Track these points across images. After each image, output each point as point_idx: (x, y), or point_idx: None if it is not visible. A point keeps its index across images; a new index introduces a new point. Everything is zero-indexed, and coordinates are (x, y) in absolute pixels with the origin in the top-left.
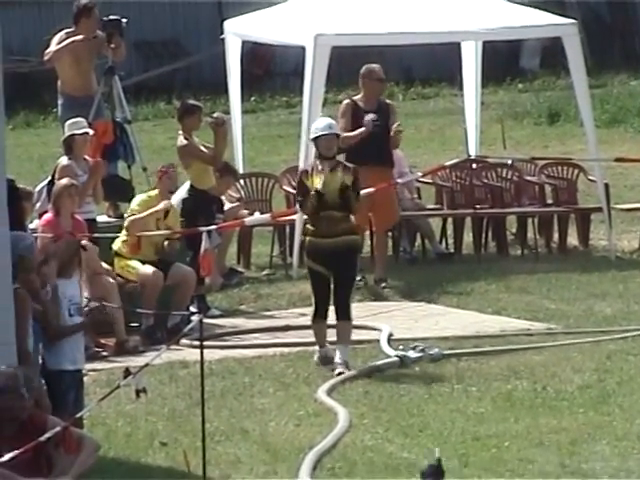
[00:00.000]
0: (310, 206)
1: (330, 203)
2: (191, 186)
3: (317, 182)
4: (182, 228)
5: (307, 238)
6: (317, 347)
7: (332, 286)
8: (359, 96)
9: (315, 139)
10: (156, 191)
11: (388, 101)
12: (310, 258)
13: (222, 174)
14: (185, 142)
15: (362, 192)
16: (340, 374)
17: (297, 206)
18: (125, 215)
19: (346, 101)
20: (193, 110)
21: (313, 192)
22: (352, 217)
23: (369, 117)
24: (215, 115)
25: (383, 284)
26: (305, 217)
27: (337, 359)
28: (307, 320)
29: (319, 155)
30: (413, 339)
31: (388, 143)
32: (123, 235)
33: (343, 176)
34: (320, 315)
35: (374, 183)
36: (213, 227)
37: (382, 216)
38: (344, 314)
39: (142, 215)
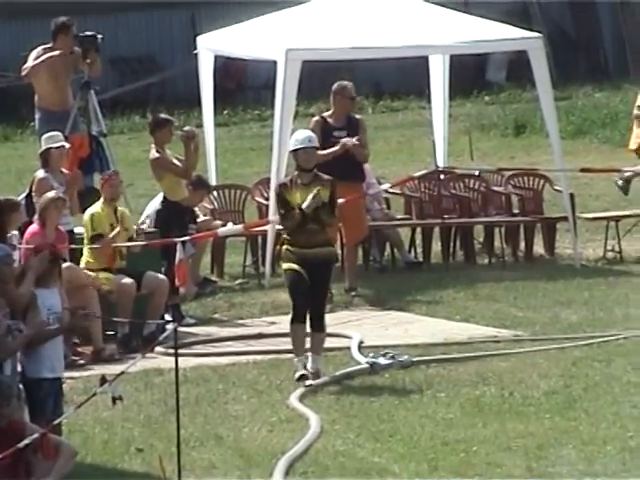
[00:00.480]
0: (294, 222)
1: (309, 217)
2: (164, 198)
3: (298, 197)
4: (156, 239)
5: (284, 247)
6: (294, 356)
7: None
8: (328, 112)
9: (294, 151)
10: (100, 201)
11: (358, 116)
12: (288, 262)
13: (195, 187)
14: (157, 155)
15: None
16: (309, 386)
17: (278, 219)
18: (83, 230)
19: (315, 118)
20: (164, 124)
21: (297, 211)
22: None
23: (347, 140)
24: (185, 129)
25: (353, 293)
26: (281, 228)
27: (309, 367)
28: (279, 328)
29: (298, 167)
30: (383, 346)
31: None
32: (87, 251)
33: (320, 191)
34: (299, 319)
35: (345, 197)
36: (187, 238)
37: (352, 229)
38: (319, 325)
39: (111, 235)
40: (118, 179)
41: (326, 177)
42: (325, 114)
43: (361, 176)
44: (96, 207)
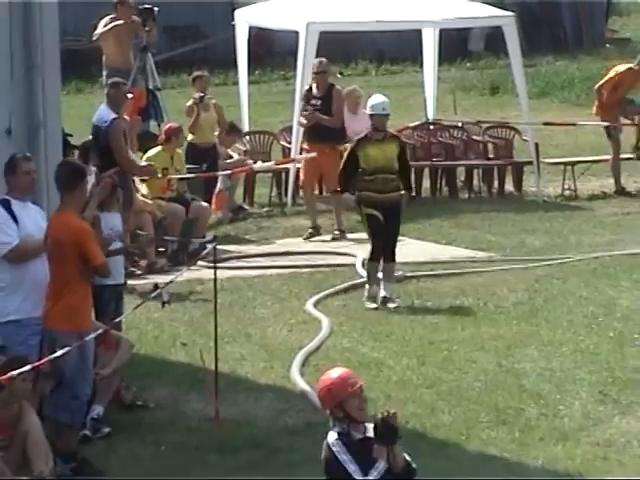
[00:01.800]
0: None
1: (384, 167)
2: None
3: (372, 150)
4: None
5: (363, 192)
6: (368, 286)
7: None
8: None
9: (371, 115)
10: (159, 147)
11: (337, 87)
12: (367, 206)
13: (228, 132)
14: (188, 104)
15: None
16: (397, 307)
17: (343, 169)
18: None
19: (306, 87)
20: (198, 77)
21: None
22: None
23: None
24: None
25: (337, 232)
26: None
27: (385, 294)
28: (299, 247)
29: (372, 126)
30: None
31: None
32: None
33: (392, 145)
34: (376, 257)
35: (326, 155)
36: (227, 172)
37: (331, 180)
38: (391, 257)
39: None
40: (182, 132)
41: (395, 134)
42: (313, 85)
43: (338, 138)
44: (155, 150)
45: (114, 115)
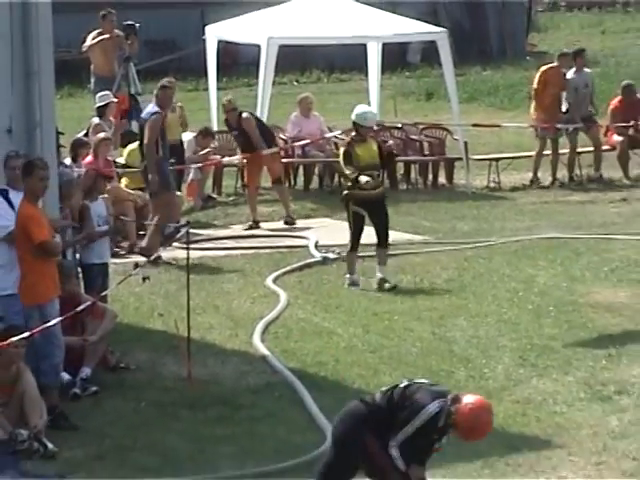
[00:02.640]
0: (353, 171)
1: (370, 164)
2: None
3: (360, 150)
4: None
5: (353, 191)
6: (348, 274)
7: (365, 225)
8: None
9: (354, 122)
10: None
11: (244, 115)
12: (355, 204)
13: (204, 135)
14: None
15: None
16: (392, 287)
17: (343, 167)
18: (124, 154)
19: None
20: (164, 86)
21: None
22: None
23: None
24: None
25: (288, 220)
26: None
27: (380, 275)
28: (260, 231)
29: (355, 130)
30: (332, 245)
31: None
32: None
33: (372, 143)
34: (354, 248)
35: (264, 156)
36: (198, 165)
37: (272, 172)
38: (385, 243)
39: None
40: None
41: (372, 135)
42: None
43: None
44: (134, 145)
45: (156, 109)
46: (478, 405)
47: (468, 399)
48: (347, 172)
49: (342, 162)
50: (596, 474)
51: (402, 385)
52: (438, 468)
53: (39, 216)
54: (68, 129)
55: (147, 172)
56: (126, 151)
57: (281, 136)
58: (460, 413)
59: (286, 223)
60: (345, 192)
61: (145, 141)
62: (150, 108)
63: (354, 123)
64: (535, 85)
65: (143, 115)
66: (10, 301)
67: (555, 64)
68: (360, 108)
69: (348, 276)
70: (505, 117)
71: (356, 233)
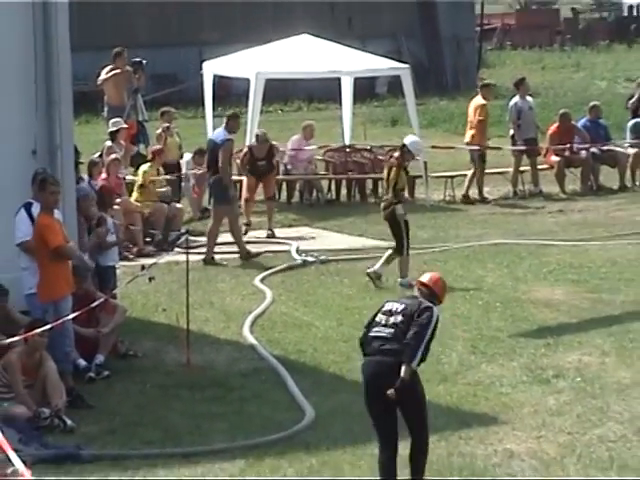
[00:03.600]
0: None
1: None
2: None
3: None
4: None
5: (402, 204)
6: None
7: None
8: (255, 144)
9: (406, 148)
10: (149, 164)
11: (273, 143)
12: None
13: (199, 155)
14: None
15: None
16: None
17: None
18: (138, 174)
19: (245, 149)
20: (165, 112)
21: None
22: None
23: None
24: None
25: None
26: None
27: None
28: (249, 237)
29: (402, 156)
30: (311, 250)
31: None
32: (136, 191)
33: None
34: (408, 251)
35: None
36: (194, 181)
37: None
38: (399, 248)
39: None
40: (163, 155)
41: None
42: (252, 145)
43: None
44: (146, 166)
45: (230, 137)
46: (430, 276)
47: (425, 277)
48: (400, 186)
49: (396, 178)
50: (536, 446)
51: (392, 312)
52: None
53: (54, 225)
54: (85, 151)
55: (216, 187)
56: (142, 169)
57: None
58: (434, 284)
59: (267, 237)
60: (396, 204)
61: (220, 163)
62: (221, 134)
63: (406, 148)
64: (481, 117)
65: (217, 140)
66: (33, 298)
67: (484, 101)
68: (414, 138)
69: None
70: (459, 141)
71: (408, 236)
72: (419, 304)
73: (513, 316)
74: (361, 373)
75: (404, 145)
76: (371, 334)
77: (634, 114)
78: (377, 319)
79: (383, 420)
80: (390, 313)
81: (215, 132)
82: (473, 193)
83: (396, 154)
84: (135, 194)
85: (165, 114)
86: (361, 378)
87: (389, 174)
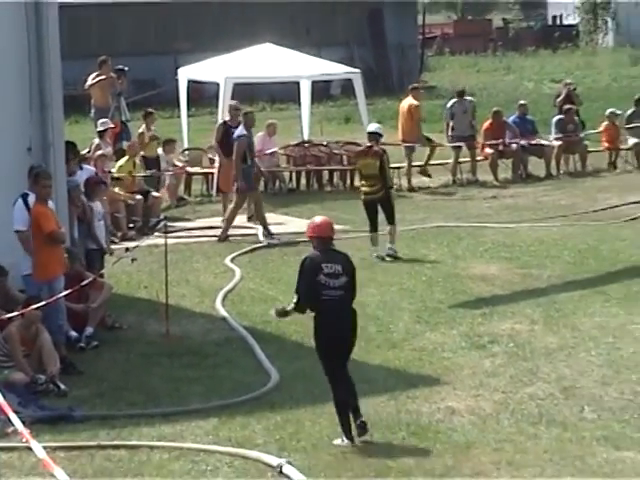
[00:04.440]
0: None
1: (369, 175)
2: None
3: (362, 160)
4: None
5: (362, 190)
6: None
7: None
8: (228, 118)
9: (368, 134)
10: (126, 157)
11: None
12: (364, 197)
13: (167, 143)
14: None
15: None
16: (397, 257)
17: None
18: (116, 167)
19: (220, 122)
20: (148, 114)
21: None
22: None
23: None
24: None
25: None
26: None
27: (389, 247)
28: (220, 223)
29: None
30: (275, 233)
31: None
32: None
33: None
34: (374, 229)
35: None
36: (171, 172)
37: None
38: (392, 223)
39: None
40: (135, 149)
41: (377, 149)
42: (226, 119)
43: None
44: (123, 160)
45: (245, 132)
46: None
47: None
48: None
49: (388, 165)
50: (474, 403)
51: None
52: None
53: (48, 213)
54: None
55: (236, 178)
56: (117, 165)
57: None
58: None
59: (248, 219)
60: (390, 188)
61: (234, 156)
62: (240, 130)
63: (378, 135)
64: (416, 115)
65: (235, 136)
66: (29, 278)
67: (416, 103)
68: (376, 124)
69: (373, 247)
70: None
71: (371, 218)
72: (347, 258)
73: (453, 289)
74: (323, 330)
75: (376, 133)
76: (324, 298)
77: (560, 111)
78: (322, 281)
79: (337, 364)
80: (334, 275)
81: (237, 129)
82: (418, 182)
83: (370, 144)
84: (116, 184)
85: (148, 115)
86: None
87: (382, 164)
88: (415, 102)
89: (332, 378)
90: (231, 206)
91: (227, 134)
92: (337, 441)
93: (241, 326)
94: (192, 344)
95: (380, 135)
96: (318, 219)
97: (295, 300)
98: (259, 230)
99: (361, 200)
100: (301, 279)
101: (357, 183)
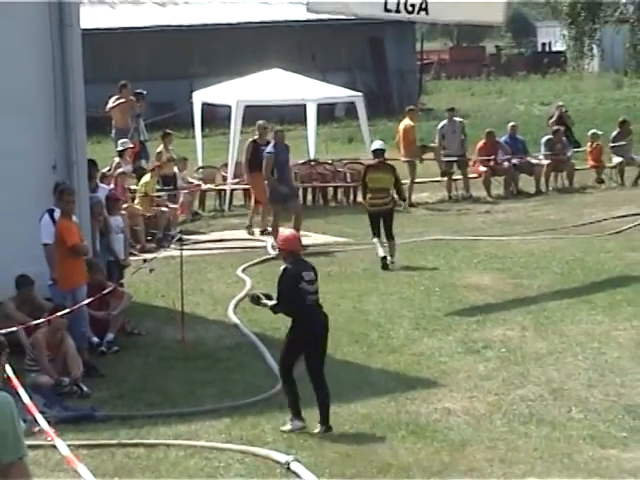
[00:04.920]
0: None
1: (378, 189)
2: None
3: (374, 174)
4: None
5: (367, 202)
6: (379, 252)
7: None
8: (257, 137)
9: (373, 151)
10: (149, 175)
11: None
12: (370, 208)
13: (182, 161)
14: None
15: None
16: (392, 263)
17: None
18: (140, 184)
19: (249, 141)
20: (166, 134)
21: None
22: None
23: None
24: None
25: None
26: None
27: (390, 259)
28: (232, 236)
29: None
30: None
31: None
32: (138, 198)
33: (388, 173)
34: (376, 235)
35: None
36: (187, 190)
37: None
38: (391, 238)
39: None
40: (159, 170)
41: (389, 164)
42: (255, 138)
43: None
44: (147, 177)
45: (273, 150)
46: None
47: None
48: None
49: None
50: (469, 405)
51: (312, 281)
52: (353, 401)
53: (72, 227)
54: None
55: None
56: (141, 183)
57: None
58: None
59: (262, 233)
60: (405, 200)
61: (263, 171)
62: (269, 148)
63: (384, 150)
64: (411, 135)
65: (265, 152)
66: (54, 288)
67: (410, 123)
68: (379, 141)
69: (377, 251)
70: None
71: (374, 226)
72: (313, 266)
73: (449, 298)
74: (309, 329)
75: (382, 149)
76: (308, 303)
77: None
78: (305, 288)
79: (299, 356)
80: (312, 282)
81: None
82: (417, 198)
83: (381, 159)
84: (138, 200)
85: (166, 136)
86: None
87: (396, 177)
88: (411, 123)
89: (286, 372)
90: (271, 218)
91: (257, 151)
92: (286, 427)
93: (252, 332)
94: (206, 349)
95: (384, 151)
96: (287, 232)
97: (273, 304)
98: (268, 242)
99: (368, 212)
100: (284, 288)
101: (359, 198)
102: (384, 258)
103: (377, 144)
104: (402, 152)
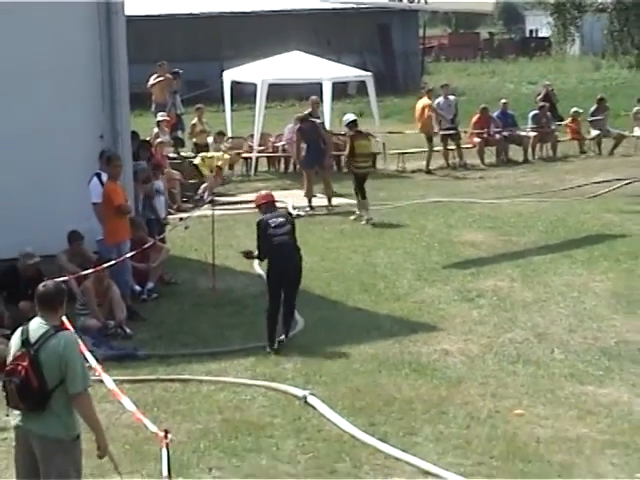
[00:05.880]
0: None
1: (363, 154)
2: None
3: (358, 142)
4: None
5: (353, 165)
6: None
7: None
8: (310, 110)
9: (350, 122)
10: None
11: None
12: (356, 170)
13: (219, 135)
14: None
15: None
16: (370, 220)
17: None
18: (199, 156)
19: (306, 112)
20: (199, 108)
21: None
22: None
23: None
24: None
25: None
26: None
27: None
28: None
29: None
30: (300, 206)
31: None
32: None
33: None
34: (365, 197)
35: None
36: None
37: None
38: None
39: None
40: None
41: (367, 132)
42: (309, 111)
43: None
44: (204, 154)
45: (299, 125)
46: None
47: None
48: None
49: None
50: (464, 346)
51: (280, 225)
52: (362, 343)
53: (117, 189)
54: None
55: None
56: (198, 158)
57: (270, 140)
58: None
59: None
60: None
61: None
62: (289, 127)
63: (357, 121)
64: (430, 112)
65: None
66: (101, 242)
67: (429, 103)
68: (350, 113)
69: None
70: (408, 128)
71: (360, 186)
72: (288, 213)
73: (447, 253)
74: (278, 266)
75: (356, 120)
76: (275, 243)
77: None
78: (271, 232)
79: (280, 288)
80: (279, 226)
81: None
82: (419, 165)
83: (358, 129)
84: (200, 163)
85: (199, 110)
86: (336, 297)
87: (369, 145)
88: (429, 101)
89: (273, 299)
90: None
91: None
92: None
93: None
94: (234, 296)
95: (357, 121)
96: (263, 192)
97: (257, 253)
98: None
99: (355, 174)
100: (258, 236)
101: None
102: (369, 222)
103: (351, 116)
104: (421, 126)
